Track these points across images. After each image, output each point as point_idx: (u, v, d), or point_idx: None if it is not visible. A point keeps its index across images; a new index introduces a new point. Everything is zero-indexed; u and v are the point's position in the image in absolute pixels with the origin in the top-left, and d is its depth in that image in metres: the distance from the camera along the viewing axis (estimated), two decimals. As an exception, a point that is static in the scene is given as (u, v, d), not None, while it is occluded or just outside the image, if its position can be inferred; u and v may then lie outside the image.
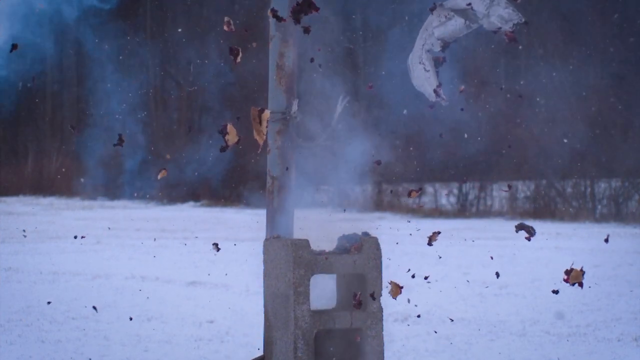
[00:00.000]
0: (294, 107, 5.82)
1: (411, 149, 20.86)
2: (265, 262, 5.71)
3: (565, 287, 11.35)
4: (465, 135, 22.90)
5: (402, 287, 5.78)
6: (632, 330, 8.56)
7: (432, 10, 5.49)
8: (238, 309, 9.69)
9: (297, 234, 5.81)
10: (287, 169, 5.80)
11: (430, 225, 21.27)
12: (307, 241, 5.61)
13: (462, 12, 5.39)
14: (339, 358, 5.87)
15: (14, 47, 5.80)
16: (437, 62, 5.54)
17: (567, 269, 5.89)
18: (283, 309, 5.57)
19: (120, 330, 8.46)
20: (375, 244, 5.78)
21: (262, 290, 5.75)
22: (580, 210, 23.84)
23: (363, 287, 5.76)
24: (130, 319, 8.74)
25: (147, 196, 30.37)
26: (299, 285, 5.53)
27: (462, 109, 6.23)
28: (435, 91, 5.51)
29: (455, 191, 26.37)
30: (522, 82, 26.44)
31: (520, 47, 24.88)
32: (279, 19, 5.68)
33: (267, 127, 5.64)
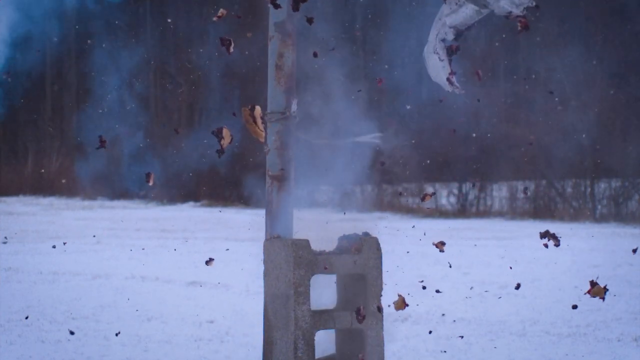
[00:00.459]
0: (293, 107, 5.83)
1: (413, 141, 20.84)
2: (265, 262, 5.71)
3: (566, 288, 11.35)
4: (474, 135, 22.91)
5: (407, 305, 5.80)
6: (632, 330, 8.56)
7: None
8: (238, 309, 9.69)
9: (297, 234, 5.81)
10: (281, 170, 5.79)
11: (430, 225, 21.27)
12: (307, 241, 5.61)
13: None
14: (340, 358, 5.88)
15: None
16: (451, 51, 5.49)
17: (591, 281, 5.87)
18: (283, 309, 5.57)
19: (120, 330, 8.46)
20: (375, 244, 5.78)
21: (262, 290, 5.75)
22: (580, 210, 23.84)
23: (363, 287, 5.76)
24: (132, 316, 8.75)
25: (152, 195, 30.36)
26: (299, 286, 5.54)
27: (479, 100, 6.24)
28: (448, 80, 5.48)
29: (455, 191, 26.38)
30: (522, 82, 26.43)
31: (522, 39, 24.85)
32: (276, 6, 5.70)
33: (262, 123, 5.65)
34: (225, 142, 5.62)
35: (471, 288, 10.11)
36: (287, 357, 5.52)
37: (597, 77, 23.89)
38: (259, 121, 5.62)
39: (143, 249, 14.92)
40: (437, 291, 7.23)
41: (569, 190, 24.55)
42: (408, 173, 23.72)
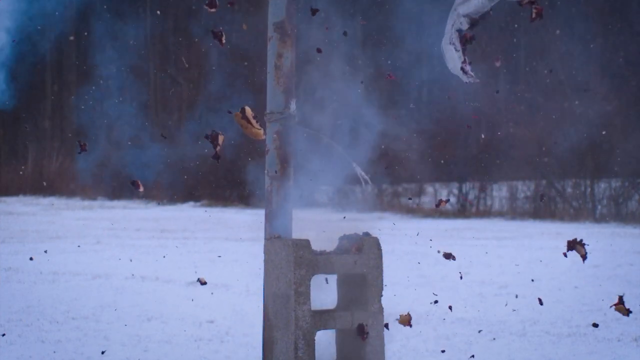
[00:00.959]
0: (292, 107, 5.83)
1: (415, 135, 20.84)
2: (265, 262, 5.71)
3: (566, 288, 11.36)
4: (483, 136, 22.90)
5: (411, 320, 5.81)
6: (632, 330, 8.56)
7: None
8: (238, 309, 9.69)
9: (296, 234, 5.81)
10: (276, 172, 5.79)
11: (430, 225, 21.27)
12: (308, 241, 5.61)
13: None
14: (340, 358, 5.88)
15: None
16: (465, 40, 5.45)
17: (620, 296, 5.87)
18: (284, 309, 5.57)
19: (120, 330, 8.46)
20: (376, 244, 5.78)
21: (262, 290, 5.75)
22: (580, 210, 23.85)
23: (364, 287, 5.77)
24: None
25: (151, 196, 30.37)
26: (299, 285, 5.54)
27: (497, 92, 6.23)
28: (462, 69, 5.44)
29: (455, 191, 26.38)
30: (521, 82, 26.44)
31: (521, 38, 24.84)
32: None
33: (257, 122, 5.66)
34: (221, 143, 5.65)
35: (478, 288, 10.10)
36: (288, 357, 5.52)
37: (598, 77, 23.89)
38: (253, 121, 5.63)
39: (144, 243, 14.92)
40: (450, 308, 7.25)
41: (569, 190, 24.55)
42: (409, 172, 23.72)
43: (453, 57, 5.48)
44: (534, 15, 5.34)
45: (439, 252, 6.06)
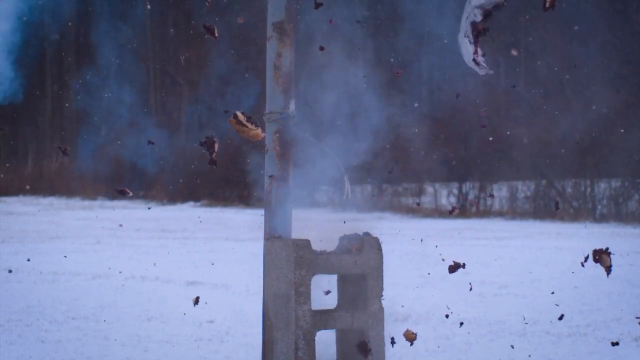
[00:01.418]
0: (292, 107, 5.83)
1: (416, 130, 20.84)
2: (266, 262, 5.71)
3: (566, 288, 11.35)
4: (491, 139, 22.87)
5: (415, 334, 5.80)
6: (632, 330, 8.56)
7: None
8: (238, 309, 9.69)
9: (296, 234, 5.81)
10: (275, 172, 5.79)
11: (430, 225, 21.27)
12: (308, 241, 5.61)
13: None
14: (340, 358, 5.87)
15: None
16: (477, 32, 5.42)
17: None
18: (284, 309, 5.57)
19: (120, 330, 8.46)
20: (376, 244, 5.78)
21: (262, 290, 5.75)
22: (580, 210, 23.85)
23: (364, 287, 5.76)
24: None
25: (150, 196, 30.39)
26: (300, 286, 5.54)
27: (514, 86, 6.20)
28: (474, 60, 5.41)
29: (455, 191, 26.38)
30: (521, 82, 26.44)
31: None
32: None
33: (253, 123, 5.66)
34: (216, 150, 5.66)
35: (470, 289, 10.09)
36: (288, 357, 5.52)
37: (598, 76, 23.90)
38: (248, 124, 5.63)
39: (145, 243, 14.93)
40: (461, 324, 7.26)
41: (569, 190, 24.55)
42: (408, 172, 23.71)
43: (468, 51, 5.45)
44: (547, 5, 5.30)
45: (443, 259, 6.05)
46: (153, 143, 6.73)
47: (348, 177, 5.84)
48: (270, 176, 5.82)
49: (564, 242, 17.11)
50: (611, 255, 5.67)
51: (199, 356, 7.48)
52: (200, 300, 10.28)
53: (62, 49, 36.86)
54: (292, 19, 5.84)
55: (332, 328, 5.70)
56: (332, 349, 5.95)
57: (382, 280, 5.77)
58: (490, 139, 23.03)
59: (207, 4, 5.74)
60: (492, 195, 24.49)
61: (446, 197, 26.61)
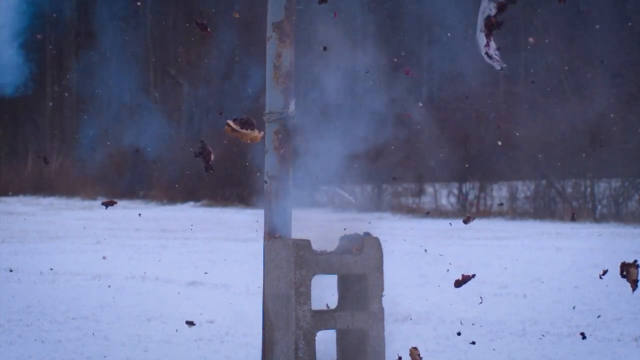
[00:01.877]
0: (292, 107, 5.83)
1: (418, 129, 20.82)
2: (266, 262, 5.71)
3: (566, 288, 11.35)
4: (500, 143, 22.83)
5: (421, 357, 5.80)
6: (632, 330, 8.55)
7: None
8: (238, 309, 9.69)
9: (296, 234, 5.81)
10: (275, 172, 5.79)
11: (430, 225, 21.27)
12: (308, 241, 5.61)
13: None
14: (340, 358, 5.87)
15: None
16: (491, 25, 5.39)
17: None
18: (284, 309, 5.57)
19: (120, 330, 8.46)
20: (376, 244, 5.78)
21: (262, 290, 5.75)
22: (580, 210, 23.85)
23: (364, 288, 5.76)
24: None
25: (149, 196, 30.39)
26: (300, 286, 5.53)
27: (532, 82, 6.16)
28: (486, 53, 5.38)
29: (455, 191, 26.37)
30: (521, 82, 26.42)
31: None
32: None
33: (249, 127, 5.66)
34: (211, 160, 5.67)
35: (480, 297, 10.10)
36: (288, 357, 5.52)
37: (598, 76, 23.89)
38: (243, 130, 5.63)
39: (145, 243, 14.92)
40: (465, 337, 7.26)
41: (569, 190, 24.55)
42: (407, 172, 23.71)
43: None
44: None
45: (448, 270, 6.05)
46: (137, 151, 6.79)
47: (343, 189, 5.85)
48: (270, 176, 5.82)
49: (564, 242, 17.12)
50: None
51: (199, 356, 7.47)
52: (197, 299, 10.27)
53: (63, 49, 36.85)
54: (292, 19, 5.84)
55: (332, 328, 5.70)
56: (332, 349, 5.95)
57: (383, 280, 5.77)
58: (500, 143, 23.01)
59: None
60: (502, 204, 24.47)
61: (446, 197, 26.61)
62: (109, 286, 10.94)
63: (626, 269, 5.49)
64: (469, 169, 24.90)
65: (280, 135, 5.80)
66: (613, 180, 23.88)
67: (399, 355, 5.90)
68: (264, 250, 5.74)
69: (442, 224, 21.47)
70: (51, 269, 12.53)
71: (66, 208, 27.98)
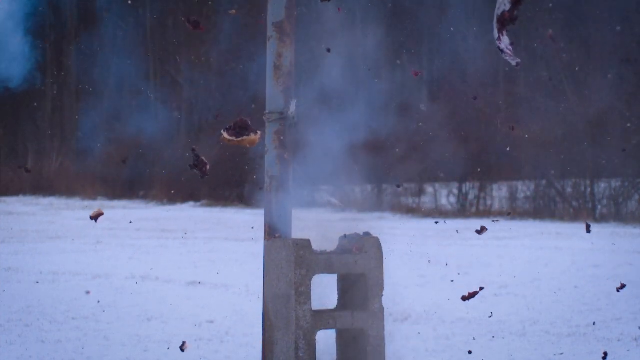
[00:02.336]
0: (292, 108, 5.83)
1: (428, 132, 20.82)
2: (266, 262, 5.71)
3: (566, 288, 11.35)
4: (508, 147, 22.83)
5: None
6: (632, 330, 8.56)
7: None
8: (238, 309, 9.69)
9: (296, 234, 5.81)
10: (275, 172, 5.79)
11: (430, 225, 21.25)
12: (308, 241, 5.61)
13: None
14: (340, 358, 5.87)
15: None
16: (504, 20, 5.36)
17: None
18: (284, 309, 5.57)
19: (120, 330, 8.46)
20: (376, 244, 5.78)
21: (262, 290, 5.75)
22: (580, 210, 23.84)
23: (364, 287, 5.76)
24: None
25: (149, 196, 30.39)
26: (300, 285, 5.53)
27: (550, 79, 6.13)
28: (498, 47, 5.35)
29: (455, 191, 26.37)
30: (521, 82, 26.43)
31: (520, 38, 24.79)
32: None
33: (243, 134, 5.66)
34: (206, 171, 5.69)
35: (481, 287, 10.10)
36: (288, 357, 5.52)
37: (597, 76, 23.89)
38: (239, 138, 5.63)
39: (145, 243, 14.92)
40: (470, 354, 7.26)
41: (569, 190, 24.54)
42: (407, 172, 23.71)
43: (506, 43, 5.39)
44: None
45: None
46: (125, 161, 6.82)
47: (334, 198, 5.88)
48: (271, 176, 5.82)
49: (564, 242, 17.12)
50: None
51: (199, 356, 7.47)
52: (197, 299, 10.27)
53: (62, 49, 36.85)
54: (292, 19, 5.83)
55: (332, 328, 5.69)
56: (332, 349, 5.95)
57: (383, 280, 5.77)
58: (508, 147, 22.99)
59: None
60: (509, 213, 24.46)
61: (446, 197, 26.60)
62: (86, 289, 10.95)
63: None
64: (469, 169, 24.91)
65: (280, 135, 5.80)
66: (613, 180, 23.88)
67: None
68: (264, 250, 5.74)
69: (442, 224, 21.47)
70: (53, 273, 12.54)
71: (66, 208, 27.98)
